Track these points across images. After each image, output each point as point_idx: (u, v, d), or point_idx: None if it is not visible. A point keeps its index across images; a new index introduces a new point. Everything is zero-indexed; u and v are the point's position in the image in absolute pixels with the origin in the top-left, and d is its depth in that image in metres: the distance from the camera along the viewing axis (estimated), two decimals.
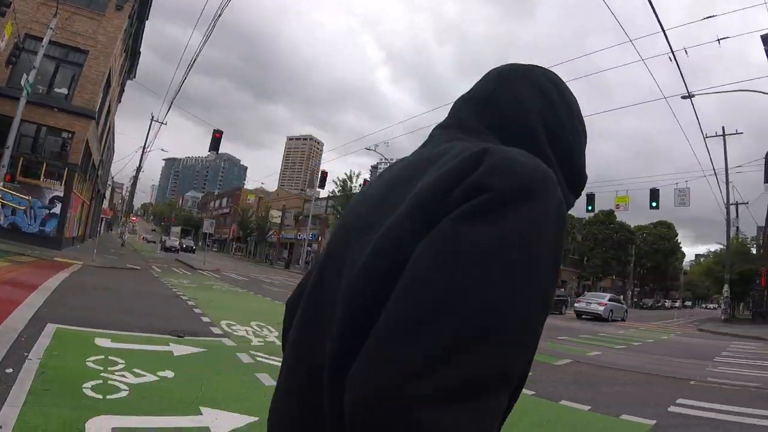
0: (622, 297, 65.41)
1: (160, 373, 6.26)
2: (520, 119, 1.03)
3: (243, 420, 5.01)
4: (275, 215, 79.86)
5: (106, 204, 57.69)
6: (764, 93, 25.25)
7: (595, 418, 6.85)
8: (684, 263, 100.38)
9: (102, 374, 5.84)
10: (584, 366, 11.82)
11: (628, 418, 6.83)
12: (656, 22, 15.78)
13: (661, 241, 79.96)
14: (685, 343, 21.67)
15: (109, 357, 6.65)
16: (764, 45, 22.05)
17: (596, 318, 32.34)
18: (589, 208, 34.81)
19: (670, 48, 18.36)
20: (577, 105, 1.12)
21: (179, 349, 7.82)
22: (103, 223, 60.22)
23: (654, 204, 31.12)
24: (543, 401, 7.49)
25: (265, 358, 8.13)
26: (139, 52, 39.31)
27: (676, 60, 18.79)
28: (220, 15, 17.76)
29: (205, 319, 11.56)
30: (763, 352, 17.85)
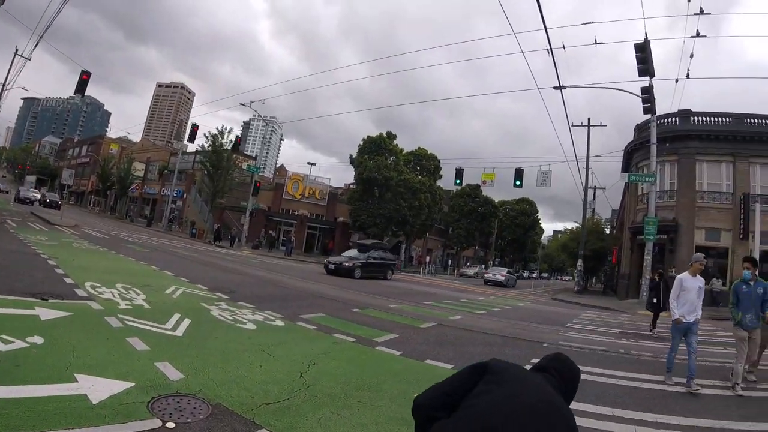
0: (483, 266, 68.81)
1: (29, 339, 6.19)
2: None
3: (120, 386, 5.14)
4: (138, 168, 75.10)
5: None
6: (627, 92, 27.34)
7: None
8: (542, 238, 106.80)
9: None
10: (447, 329, 12.75)
11: None
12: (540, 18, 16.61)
13: (523, 216, 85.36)
14: (540, 310, 23.38)
15: None
16: (636, 52, 23.88)
17: (498, 285, 44.14)
18: (458, 182, 36.48)
19: (549, 45, 19.50)
20: None
21: (46, 313, 7.67)
22: None
23: (518, 182, 33.14)
24: (409, 360, 8.03)
25: (135, 322, 8.13)
26: None
27: (553, 56, 20.02)
28: None
29: (69, 281, 11.22)
30: (610, 320, 19.57)
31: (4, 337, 6.02)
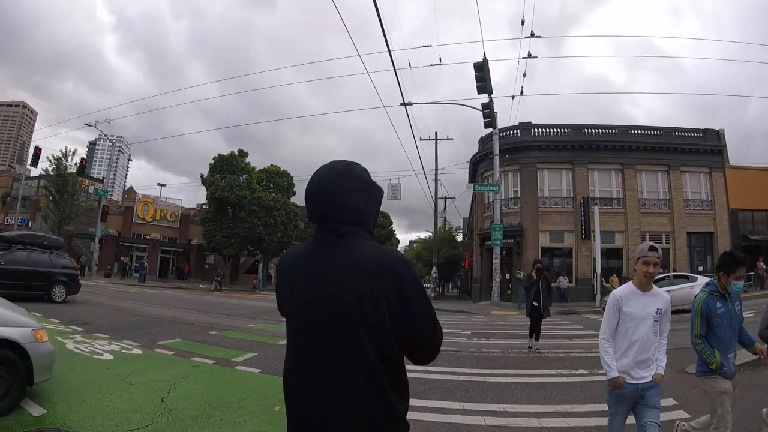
0: None
1: None
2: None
3: None
4: None
5: None
6: (471, 107, 28.82)
7: None
8: (399, 248, 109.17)
9: None
10: None
11: None
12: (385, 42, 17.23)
13: (378, 228, 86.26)
14: None
15: None
16: (475, 71, 25.26)
17: None
18: None
19: (393, 66, 20.14)
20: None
21: None
22: None
23: None
24: (269, 377, 8.21)
25: None
26: None
27: (397, 75, 20.77)
28: None
29: None
30: (464, 323, 20.30)
31: None
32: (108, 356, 9.20)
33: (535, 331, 12.18)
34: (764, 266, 31.06)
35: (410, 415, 1.90)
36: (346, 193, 1.87)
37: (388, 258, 1.82)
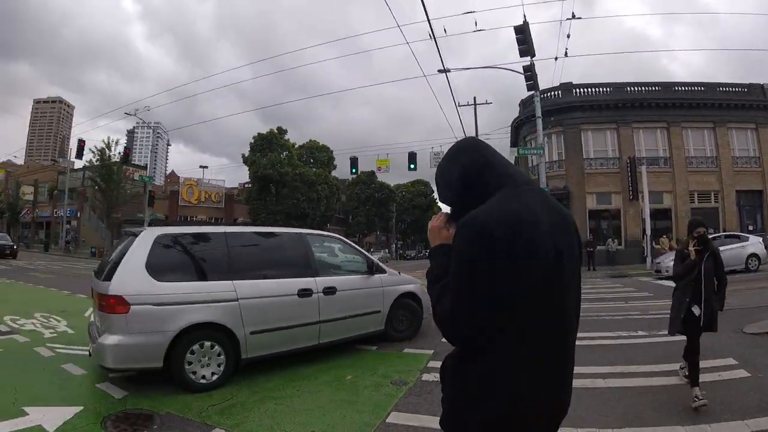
0: (387, 250, 69.51)
1: None
2: None
3: (70, 411, 5.35)
4: (27, 191, 71.47)
5: None
6: (511, 70, 28.07)
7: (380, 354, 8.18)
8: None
9: None
10: None
11: (411, 350, 8.25)
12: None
13: (419, 197, 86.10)
14: None
15: None
16: (516, 34, 24.77)
17: None
18: (354, 170, 36.25)
19: (432, 33, 19.67)
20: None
21: None
22: None
23: (412, 166, 33.20)
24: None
25: (64, 348, 8.23)
26: None
27: (436, 42, 20.18)
28: None
29: None
30: None
31: None
32: None
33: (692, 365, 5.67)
34: None
35: None
36: None
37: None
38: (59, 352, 7.90)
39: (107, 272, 6.23)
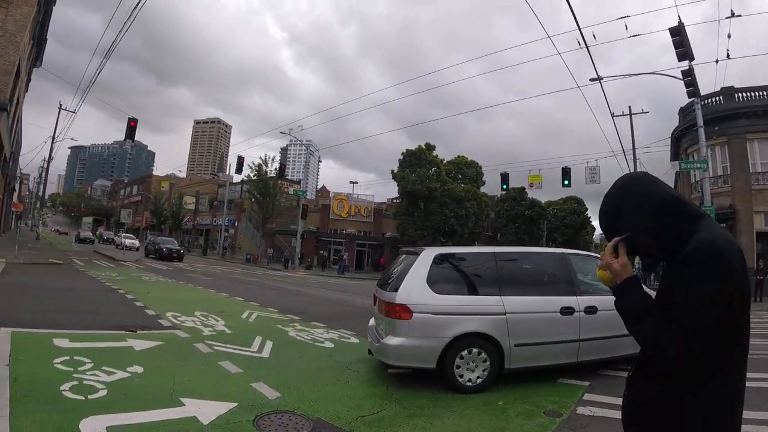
0: None
1: (130, 369, 6.59)
2: None
3: (224, 407, 5.45)
4: (189, 201, 78.43)
5: (15, 197, 54.69)
6: (669, 75, 26.12)
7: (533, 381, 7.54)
8: (594, 236, 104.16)
9: (75, 375, 6.10)
10: None
11: (566, 381, 7.57)
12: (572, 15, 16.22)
13: (572, 215, 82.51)
14: None
15: (75, 357, 6.90)
16: (672, 36, 23.20)
17: None
18: (504, 186, 35.35)
19: (583, 39, 18.94)
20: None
21: (138, 344, 8.10)
22: (13, 216, 56.99)
23: (566, 182, 31.38)
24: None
25: (222, 346, 8.56)
26: (46, 39, 37.38)
27: (588, 49, 19.40)
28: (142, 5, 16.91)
29: (150, 312, 11.77)
30: None
31: (105, 368, 6.42)
32: (329, 344, 9.67)
33: None
34: None
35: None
36: None
37: None
38: (217, 350, 8.22)
39: (393, 284, 7.27)
